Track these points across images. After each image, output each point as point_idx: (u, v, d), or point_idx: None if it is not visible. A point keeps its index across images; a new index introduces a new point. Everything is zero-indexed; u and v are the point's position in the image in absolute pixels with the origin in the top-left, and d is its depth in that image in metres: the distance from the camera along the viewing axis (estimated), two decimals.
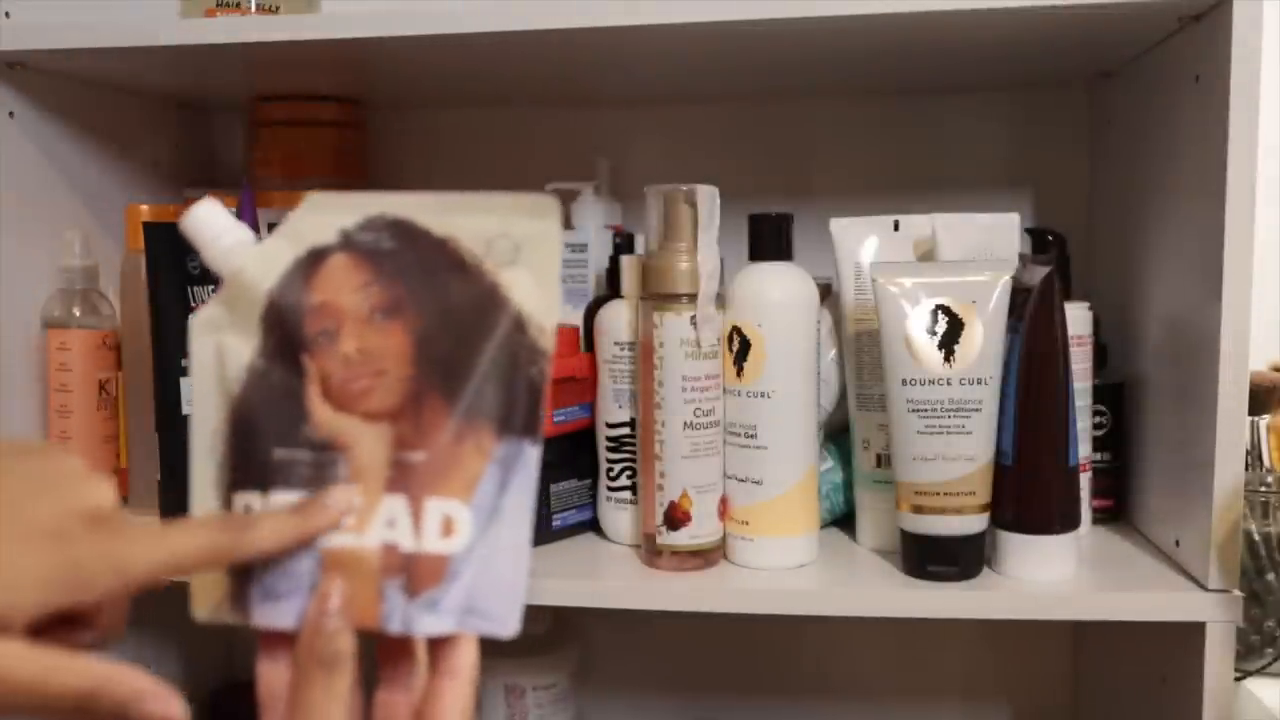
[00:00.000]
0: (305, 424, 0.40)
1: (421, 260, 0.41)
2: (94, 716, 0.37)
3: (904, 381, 0.69)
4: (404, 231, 0.41)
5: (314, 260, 0.41)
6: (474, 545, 0.39)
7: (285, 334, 0.41)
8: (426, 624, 0.39)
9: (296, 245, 0.42)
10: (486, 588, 0.39)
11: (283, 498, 0.40)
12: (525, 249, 0.41)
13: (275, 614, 0.39)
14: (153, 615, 0.93)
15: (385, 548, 0.39)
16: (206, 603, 0.40)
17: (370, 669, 0.40)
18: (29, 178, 0.83)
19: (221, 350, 0.41)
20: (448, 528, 0.39)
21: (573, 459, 0.79)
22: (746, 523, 0.72)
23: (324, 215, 0.42)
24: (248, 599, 0.39)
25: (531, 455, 0.40)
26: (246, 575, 0.39)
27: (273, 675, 0.40)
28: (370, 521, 0.39)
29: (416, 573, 0.39)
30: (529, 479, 0.40)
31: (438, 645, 0.40)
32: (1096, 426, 0.80)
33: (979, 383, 0.68)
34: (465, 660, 0.40)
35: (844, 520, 0.81)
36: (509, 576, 0.39)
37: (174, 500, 0.80)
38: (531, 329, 0.40)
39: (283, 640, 0.40)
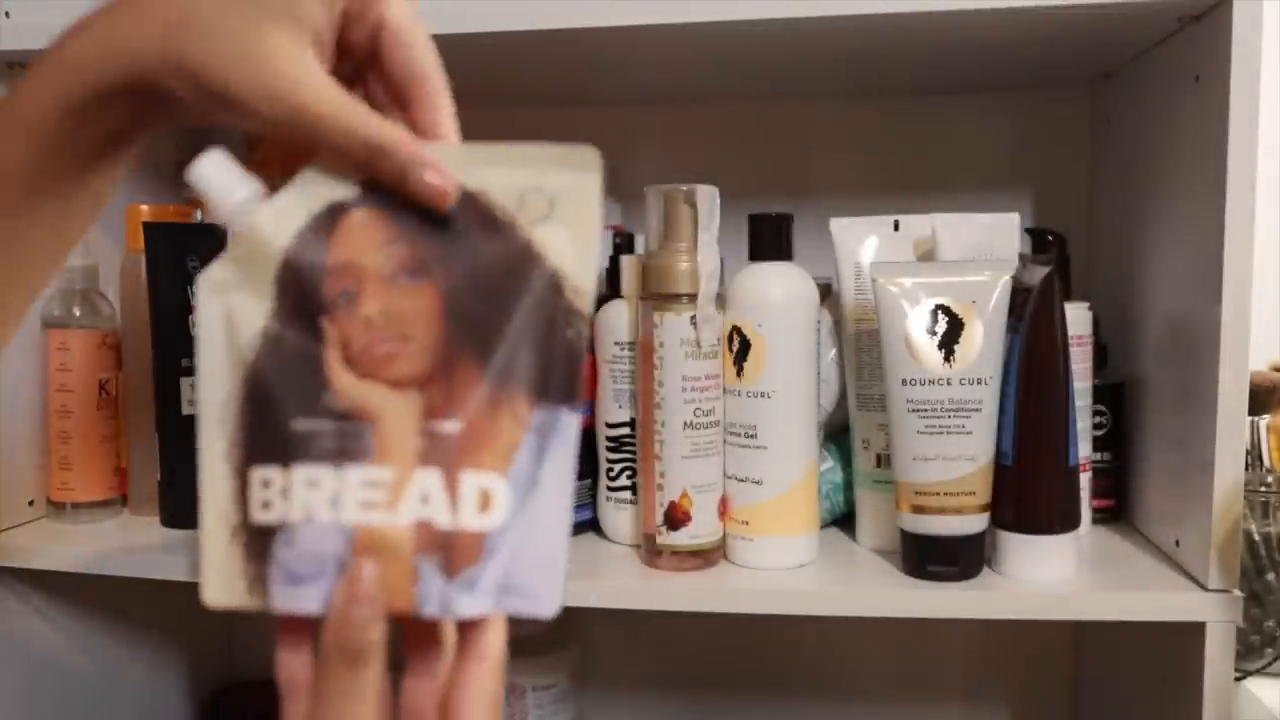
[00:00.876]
0: (325, 392, 0.37)
1: (449, 217, 0.38)
2: (374, 171, 0.38)
3: (904, 381, 0.69)
4: None
5: (333, 216, 0.39)
6: (511, 520, 0.37)
7: (301, 296, 0.38)
8: (464, 605, 0.36)
9: (313, 200, 0.39)
10: (525, 564, 0.37)
11: (305, 472, 0.37)
12: (561, 204, 0.39)
13: (298, 598, 0.36)
14: (154, 616, 0.93)
15: (419, 525, 0.36)
16: (219, 587, 0.37)
17: (396, 653, 0.38)
18: None
19: (231, 313, 0.38)
20: (485, 502, 0.36)
21: None
22: (746, 523, 0.72)
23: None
24: (267, 581, 0.37)
25: (570, 423, 0.38)
26: (266, 554, 0.37)
27: (294, 663, 0.37)
28: (403, 497, 0.36)
29: (454, 551, 0.36)
30: (568, 448, 0.38)
31: (465, 628, 0.37)
32: (1096, 426, 0.80)
33: (979, 383, 0.68)
34: (493, 643, 0.37)
35: (844, 520, 0.81)
36: (549, 552, 0.37)
37: (175, 500, 0.80)
38: (568, 290, 0.38)
39: (305, 625, 0.37)
